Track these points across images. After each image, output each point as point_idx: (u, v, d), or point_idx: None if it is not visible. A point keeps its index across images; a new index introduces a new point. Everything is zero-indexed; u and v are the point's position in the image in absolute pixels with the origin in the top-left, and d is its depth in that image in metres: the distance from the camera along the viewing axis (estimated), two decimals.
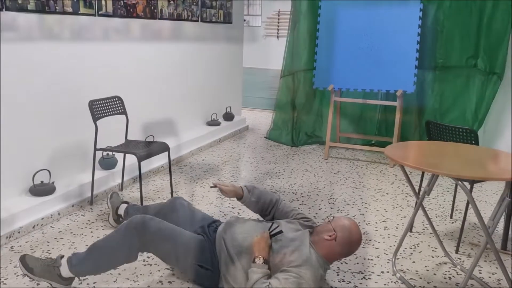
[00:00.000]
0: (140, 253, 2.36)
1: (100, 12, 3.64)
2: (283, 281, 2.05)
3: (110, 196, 3.11)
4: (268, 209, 2.62)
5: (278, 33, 14.72)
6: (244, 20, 6.80)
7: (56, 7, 3.23)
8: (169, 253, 2.31)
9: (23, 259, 2.30)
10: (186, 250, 2.30)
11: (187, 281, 2.48)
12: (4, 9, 2.86)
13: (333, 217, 2.39)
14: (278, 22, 14.66)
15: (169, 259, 2.38)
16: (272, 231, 2.31)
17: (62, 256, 2.32)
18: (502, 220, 2.97)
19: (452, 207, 3.45)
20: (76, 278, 2.37)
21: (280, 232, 2.32)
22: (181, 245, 2.30)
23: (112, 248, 2.29)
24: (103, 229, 3.06)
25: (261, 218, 2.71)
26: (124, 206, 3.01)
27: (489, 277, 2.63)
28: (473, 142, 2.78)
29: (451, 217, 3.46)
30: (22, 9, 2.98)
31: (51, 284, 2.29)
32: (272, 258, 2.21)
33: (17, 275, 2.48)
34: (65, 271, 2.28)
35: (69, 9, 3.34)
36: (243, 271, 2.21)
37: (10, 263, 2.60)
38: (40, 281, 2.30)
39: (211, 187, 2.68)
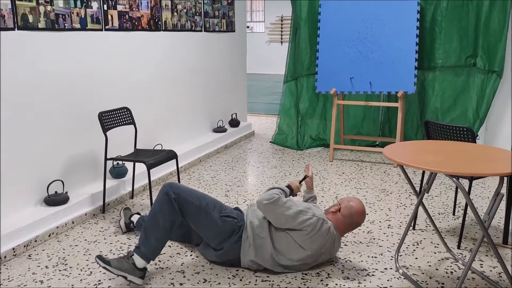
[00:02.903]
0: (180, 209, 2.61)
1: (106, 27, 3.79)
2: (293, 207, 2.57)
3: (124, 209, 3.34)
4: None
5: (281, 39, 14.86)
6: (248, 27, 6.93)
7: (65, 24, 3.38)
8: (199, 206, 2.61)
9: (100, 256, 2.51)
10: (213, 204, 2.67)
11: (197, 282, 2.58)
12: (16, 29, 3.01)
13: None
14: (282, 28, 14.81)
15: (199, 213, 2.61)
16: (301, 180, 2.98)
17: (133, 250, 2.55)
18: (503, 215, 3.05)
19: (454, 205, 3.53)
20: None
21: (306, 176, 3.00)
22: (209, 200, 2.68)
23: (158, 212, 2.58)
24: (115, 236, 3.18)
25: None
26: (137, 216, 3.24)
27: (490, 271, 2.70)
28: (470, 140, 2.86)
29: (453, 214, 3.54)
30: (34, 28, 3.13)
31: (126, 278, 2.47)
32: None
33: (36, 282, 2.60)
34: (138, 260, 2.50)
35: (77, 26, 3.49)
36: (271, 241, 2.60)
37: (29, 271, 2.73)
38: (117, 273, 2.46)
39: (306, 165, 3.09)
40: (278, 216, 2.56)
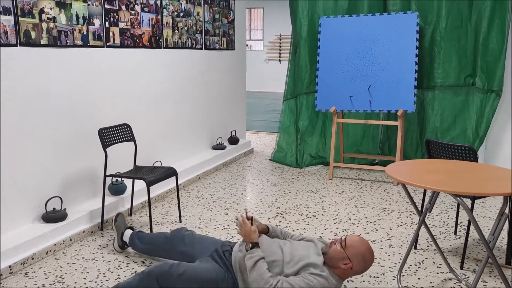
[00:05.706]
0: None
1: (108, 44, 3.80)
2: (295, 280, 2.23)
3: (115, 219, 3.19)
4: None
5: (280, 57, 14.96)
6: (247, 45, 6.99)
7: (67, 41, 3.39)
8: None
9: None
10: (209, 285, 2.39)
11: None
12: (19, 45, 3.01)
13: (345, 236, 2.41)
14: (280, 46, 14.92)
15: None
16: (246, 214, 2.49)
17: None
18: (506, 234, 3.02)
19: (456, 224, 3.50)
20: None
21: (246, 213, 2.52)
22: (203, 283, 2.39)
23: None
24: (113, 254, 3.14)
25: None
26: (129, 232, 3.11)
27: None
28: (472, 159, 2.85)
29: (455, 233, 3.51)
30: (36, 44, 3.13)
31: None
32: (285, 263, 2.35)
33: None
34: None
35: (79, 42, 3.50)
36: None
37: None
38: None
39: (245, 212, 2.60)
40: None
